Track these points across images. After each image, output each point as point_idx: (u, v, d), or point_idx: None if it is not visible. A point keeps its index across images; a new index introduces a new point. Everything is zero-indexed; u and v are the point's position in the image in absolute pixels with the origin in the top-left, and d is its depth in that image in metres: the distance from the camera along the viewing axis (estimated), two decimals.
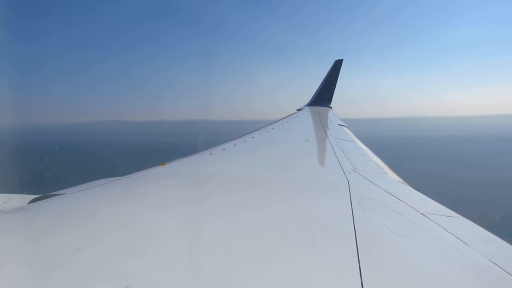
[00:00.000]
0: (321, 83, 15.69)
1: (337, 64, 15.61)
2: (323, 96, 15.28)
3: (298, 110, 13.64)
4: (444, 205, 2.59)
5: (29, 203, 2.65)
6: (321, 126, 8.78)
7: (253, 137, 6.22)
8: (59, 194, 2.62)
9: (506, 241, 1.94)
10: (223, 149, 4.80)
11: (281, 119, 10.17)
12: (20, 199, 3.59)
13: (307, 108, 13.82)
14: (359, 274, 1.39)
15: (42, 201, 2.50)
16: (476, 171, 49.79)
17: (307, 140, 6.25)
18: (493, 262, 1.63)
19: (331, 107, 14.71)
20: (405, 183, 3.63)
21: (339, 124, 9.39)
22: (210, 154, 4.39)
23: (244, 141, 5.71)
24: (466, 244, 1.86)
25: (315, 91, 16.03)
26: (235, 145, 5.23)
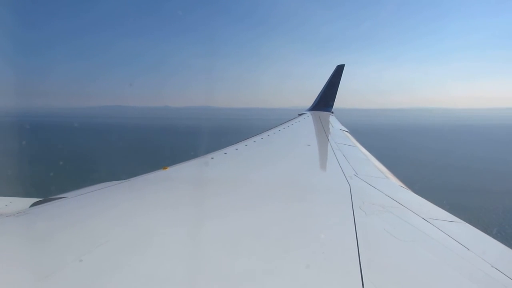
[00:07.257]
0: (323, 88, 15.72)
1: (339, 69, 15.67)
2: (325, 101, 15.31)
3: (300, 114, 13.66)
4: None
5: (30, 206, 2.67)
6: (323, 131, 8.79)
7: (254, 142, 6.23)
8: (61, 198, 2.64)
9: (508, 246, 1.93)
10: (225, 153, 4.81)
11: (282, 123, 10.19)
12: (22, 203, 3.61)
13: (309, 113, 13.84)
14: (361, 279, 1.39)
15: (44, 204, 2.51)
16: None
17: (308, 145, 6.26)
18: (495, 268, 1.62)
19: (332, 112, 14.72)
20: (406, 188, 3.61)
21: (341, 129, 9.40)
22: (212, 158, 4.40)
23: (246, 145, 5.72)
24: (468, 249, 1.85)
25: (317, 95, 16.07)
26: (236, 149, 5.25)
